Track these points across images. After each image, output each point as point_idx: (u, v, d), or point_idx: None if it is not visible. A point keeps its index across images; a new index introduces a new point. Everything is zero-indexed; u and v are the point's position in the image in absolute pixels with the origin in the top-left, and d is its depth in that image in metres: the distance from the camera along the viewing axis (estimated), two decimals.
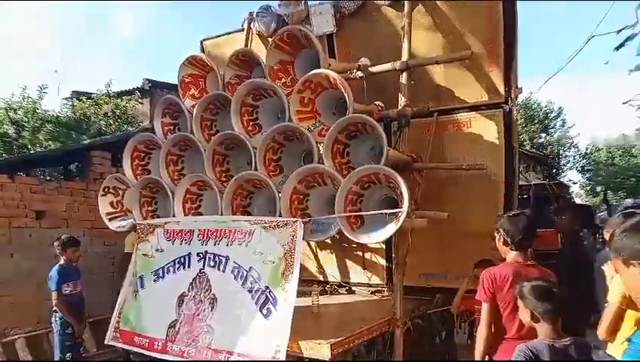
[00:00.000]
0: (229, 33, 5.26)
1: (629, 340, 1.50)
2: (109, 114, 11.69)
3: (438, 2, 4.09)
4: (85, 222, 6.53)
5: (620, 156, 29.35)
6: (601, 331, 2.68)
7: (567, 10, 53.74)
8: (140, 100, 12.55)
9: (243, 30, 5.03)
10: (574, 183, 28.20)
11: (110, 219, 4.45)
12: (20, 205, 5.95)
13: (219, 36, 5.33)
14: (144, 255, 3.93)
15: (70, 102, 12.74)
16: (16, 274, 5.74)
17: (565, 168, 28.50)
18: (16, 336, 5.32)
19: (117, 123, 11.71)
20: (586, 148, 30.08)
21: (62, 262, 4.75)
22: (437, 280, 4.14)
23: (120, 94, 12.65)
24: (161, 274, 3.74)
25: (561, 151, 27.67)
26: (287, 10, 4.66)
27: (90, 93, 12.44)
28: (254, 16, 4.90)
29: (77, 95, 13.08)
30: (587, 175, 29.67)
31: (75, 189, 6.58)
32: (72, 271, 4.78)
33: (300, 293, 3.51)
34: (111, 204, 4.47)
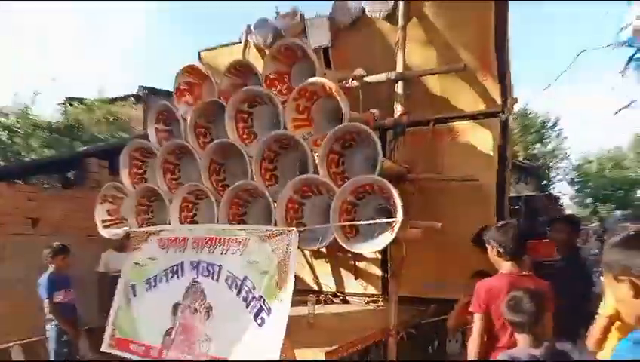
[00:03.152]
0: (227, 45, 5.30)
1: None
2: (102, 120, 11.65)
3: (431, 16, 4.15)
4: (80, 230, 6.48)
5: (611, 168, 29.55)
6: (591, 343, 2.72)
7: (565, 24, 54.57)
8: (133, 106, 12.53)
9: (240, 42, 5.08)
10: (564, 195, 28.38)
11: (105, 227, 4.45)
12: (16, 212, 5.93)
13: (216, 48, 5.38)
14: (136, 263, 3.91)
15: (63, 108, 12.70)
16: (8, 280, 5.69)
17: (555, 180, 28.65)
18: (11, 344, 5.27)
19: (110, 129, 11.68)
20: (576, 160, 30.29)
21: (51, 270, 4.72)
22: (431, 290, 4.16)
23: (113, 100, 12.62)
24: (153, 283, 3.73)
25: (552, 163, 27.80)
26: (283, 23, 4.71)
27: (83, 99, 12.39)
28: (252, 28, 4.95)
29: (70, 100, 13.05)
30: (577, 187, 29.86)
31: (71, 197, 6.56)
32: (62, 280, 4.74)
33: (295, 303, 3.52)
34: (107, 211, 4.47)
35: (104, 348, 3.80)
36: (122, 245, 5.27)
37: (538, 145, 26.64)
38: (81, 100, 12.26)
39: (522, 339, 2.34)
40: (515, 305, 2.35)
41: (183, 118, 4.19)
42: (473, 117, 4.14)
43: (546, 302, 2.43)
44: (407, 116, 3.80)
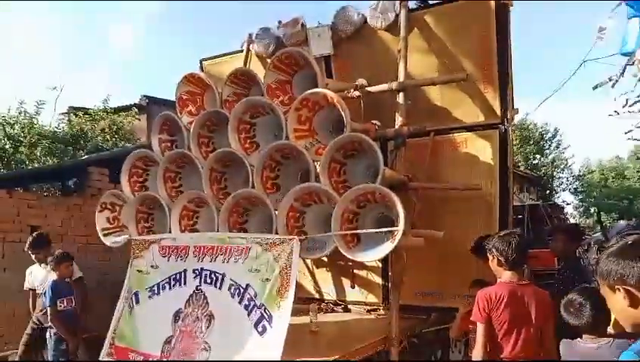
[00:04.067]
0: (229, 54, 5.34)
1: None
2: (106, 130, 11.69)
3: (432, 27, 4.18)
4: (80, 237, 6.48)
5: (613, 178, 29.58)
6: None
7: (564, 35, 54.89)
8: (137, 117, 12.59)
9: (242, 51, 5.10)
10: (568, 204, 28.37)
11: (106, 235, 4.44)
12: (16, 220, 5.93)
13: (218, 56, 5.41)
14: (139, 271, 3.91)
15: (67, 118, 12.75)
16: (8, 288, 5.69)
17: (559, 189, 28.67)
18: (9, 352, 5.25)
19: (114, 139, 11.71)
20: (579, 171, 30.32)
21: (55, 278, 4.72)
22: (433, 299, 4.15)
23: (117, 110, 12.68)
24: (156, 291, 3.72)
25: (555, 173, 27.85)
26: (285, 31, 4.74)
27: (87, 109, 12.46)
28: (253, 37, 4.97)
29: (74, 110, 13.11)
30: (580, 196, 29.86)
31: (71, 205, 6.56)
32: (65, 287, 4.74)
33: (296, 311, 3.51)
34: (107, 219, 4.47)
35: (102, 357, 3.78)
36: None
37: (538, 156, 26.75)
38: (85, 110, 12.32)
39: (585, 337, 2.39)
40: (576, 311, 2.39)
41: (186, 128, 4.20)
42: (474, 128, 4.14)
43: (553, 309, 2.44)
44: (407, 127, 3.80)
